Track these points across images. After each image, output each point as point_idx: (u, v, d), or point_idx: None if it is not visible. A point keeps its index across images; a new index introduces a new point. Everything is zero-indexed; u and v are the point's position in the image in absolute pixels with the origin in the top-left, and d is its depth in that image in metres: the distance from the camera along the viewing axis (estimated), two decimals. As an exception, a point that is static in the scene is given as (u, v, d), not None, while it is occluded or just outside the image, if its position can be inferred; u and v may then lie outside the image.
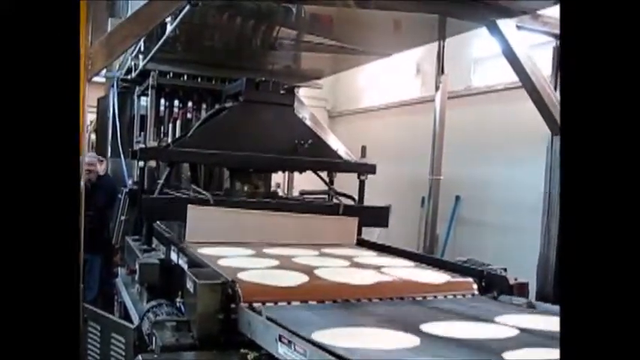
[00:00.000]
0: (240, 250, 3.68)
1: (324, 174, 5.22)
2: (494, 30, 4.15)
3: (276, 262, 3.31)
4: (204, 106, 6.27)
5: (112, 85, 7.10)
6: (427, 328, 2.29)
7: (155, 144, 5.46)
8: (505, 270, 3.21)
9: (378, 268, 3.30)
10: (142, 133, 6.23)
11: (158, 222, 4.72)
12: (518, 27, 4.16)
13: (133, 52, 5.92)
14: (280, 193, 5.59)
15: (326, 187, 5.18)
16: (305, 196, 5.31)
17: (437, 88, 6.15)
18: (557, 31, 4.14)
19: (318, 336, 2.04)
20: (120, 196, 5.67)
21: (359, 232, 4.53)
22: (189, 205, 4.00)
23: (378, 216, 4.78)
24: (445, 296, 2.97)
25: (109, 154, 7.18)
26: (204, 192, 4.35)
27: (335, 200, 4.83)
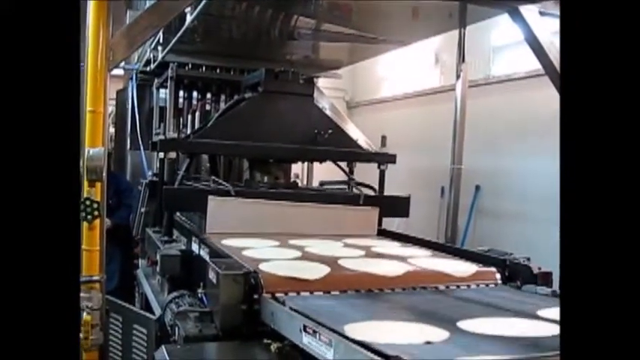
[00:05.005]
0: (262, 242, 3.67)
1: (344, 164, 5.20)
2: (517, 16, 4.09)
3: (298, 253, 3.30)
4: (223, 97, 6.27)
5: (131, 78, 7.11)
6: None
7: (174, 135, 5.47)
8: (528, 259, 3.18)
9: (400, 258, 3.28)
10: (162, 125, 6.25)
11: (178, 213, 4.74)
12: (541, 13, 4.09)
13: (151, 44, 5.92)
14: (299, 184, 5.58)
15: (345, 178, 5.16)
16: (325, 186, 5.30)
17: (457, 77, 6.10)
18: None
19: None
20: (139, 188, 5.70)
21: (379, 223, 4.51)
22: (209, 197, 3.99)
23: (399, 206, 4.72)
24: (468, 286, 2.94)
25: (128, 147, 7.21)
26: (224, 183, 4.35)
27: (355, 190, 4.81)
